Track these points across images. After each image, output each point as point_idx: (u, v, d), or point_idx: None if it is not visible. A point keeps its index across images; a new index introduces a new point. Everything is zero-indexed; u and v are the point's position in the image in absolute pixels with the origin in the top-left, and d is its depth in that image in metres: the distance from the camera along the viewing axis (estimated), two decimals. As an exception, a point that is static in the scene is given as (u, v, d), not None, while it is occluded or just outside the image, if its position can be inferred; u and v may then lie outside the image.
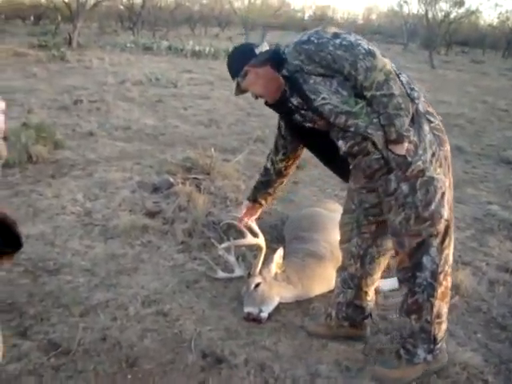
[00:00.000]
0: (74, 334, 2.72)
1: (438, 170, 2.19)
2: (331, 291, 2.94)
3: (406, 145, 2.11)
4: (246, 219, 3.05)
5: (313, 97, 2.16)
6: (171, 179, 4.68)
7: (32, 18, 32.21)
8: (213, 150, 5.16)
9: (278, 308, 3.06)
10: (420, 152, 2.14)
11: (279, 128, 2.67)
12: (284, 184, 2.97)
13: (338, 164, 2.56)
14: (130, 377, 2.47)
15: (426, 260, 2.26)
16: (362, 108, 2.12)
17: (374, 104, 2.09)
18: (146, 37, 21.53)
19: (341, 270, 2.69)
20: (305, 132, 2.42)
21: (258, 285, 2.95)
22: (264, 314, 2.90)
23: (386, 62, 2.07)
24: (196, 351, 2.65)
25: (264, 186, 2.89)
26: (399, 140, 2.10)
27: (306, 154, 2.84)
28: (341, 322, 2.73)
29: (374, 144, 2.16)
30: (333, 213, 3.74)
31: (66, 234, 3.86)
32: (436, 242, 2.25)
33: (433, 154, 2.17)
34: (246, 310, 2.88)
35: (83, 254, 3.57)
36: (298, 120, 2.35)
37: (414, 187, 2.17)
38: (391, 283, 3.22)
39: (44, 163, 5.38)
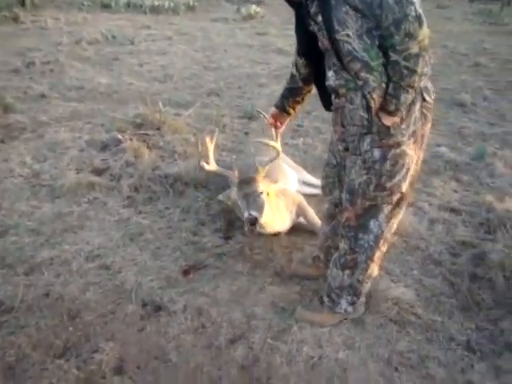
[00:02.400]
0: (17, 292, 2.74)
1: (412, 145, 2.13)
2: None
3: (395, 119, 2.04)
4: (275, 123, 2.77)
5: (337, 28, 1.91)
6: (119, 136, 4.62)
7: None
8: (161, 104, 5.07)
9: (219, 254, 3.12)
10: (403, 127, 2.07)
11: (296, 34, 2.34)
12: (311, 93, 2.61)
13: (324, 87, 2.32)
14: (71, 329, 2.51)
15: (372, 224, 2.28)
16: (379, 66, 1.93)
17: (391, 69, 1.92)
18: (105, -6, 20.67)
19: (329, 218, 2.67)
20: (310, 40, 2.20)
21: (262, 192, 2.94)
22: (261, 222, 2.87)
23: (426, 35, 1.85)
24: (136, 301, 2.71)
25: (291, 94, 2.58)
26: (393, 113, 2.01)
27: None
28: (329, 263, 2.66)
29: (366, 106, 2.05)
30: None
31: (13, 196, 3.82)
32: (387, 209, 2.26)
33: (413, 132, 2.10)
34: (253, 213, 2.80)
35: (30, 215, 3.55)
36: (310, 26, 2.13)
37: (385, 156, 2.12)
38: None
39: (-6, 127, 5.23)
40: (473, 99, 6.83)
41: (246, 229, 2.90)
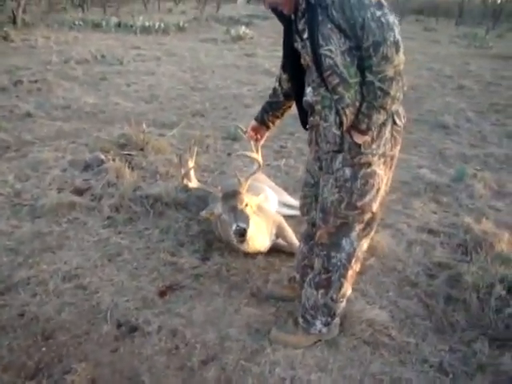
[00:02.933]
0: (-9, 312, 2.72)
1: (382, 166, 2.18)
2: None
3: (366, 137, 2.10)
4: (253, 136, 2.79)
5: (321, 42, 1.97)
6: (102, 156, 4.65)
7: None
8: (144, 125, 5.13)
9: (196, 276, 3.13)
10: (373, 147, 2.12)
11: (283, 45, 2.39)
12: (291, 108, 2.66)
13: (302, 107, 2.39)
14: (44, 349, 2.50)
15: (344, 242, 2.32)
16: (356, 84, 1.99)
17: (366, 89, 1.98)
18: (97, 14, 20.91)
19: (307, 238, 2.68)
20: (294, 56, 2.27)
21: (247, 204, 3.00)
22: (249, 233, 2.90)
23: (401, 61, 1.93)
24: (111, 321, 2.70)
25: (272, 108, 2.62)
26: (364, 132, 2.07)
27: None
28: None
29: (339, 122, 2.10)
30: (257, 182, 3.78)
31: (-8, 215, 3.81)
32: (358, 227, 2.30)
33: (383, 153, 2.16)
34: (241, 224, 2.85)
35: (9, 234, 3.55)
36: (296, 42, 2.20)
37: (356, 175, 2.17)
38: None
39: (-23, 146, 5.24)
40: (455, 121, 6.96)
41: (235, 241, 2.95)
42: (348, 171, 2.18)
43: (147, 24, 15.99)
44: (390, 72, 1.92)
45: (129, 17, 19.26)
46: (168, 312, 2.79)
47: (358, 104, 2.02)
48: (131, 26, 16.08)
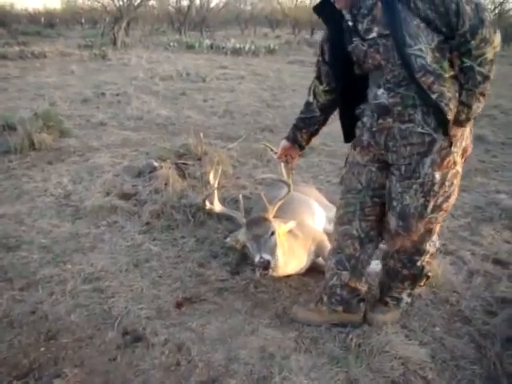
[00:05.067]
0: (5, 306, 2.68)
1: (461, 163, 2.13)
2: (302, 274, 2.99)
3: (466, 131, 2.05)
4: (283, 157, 2.70)
5: (409, 42, 1.86)
6: (155, 163, 4.60)
7: (83, 21, 32.46)
8: (202, 135, 5.01)
9: (220, 289, 2.92)
10: (458, 144, 2.06)
11: (322, 53, 2.32)
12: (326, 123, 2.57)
13: (351, 115, 2.32)
14: (43, 349, 2.40)
15: (428, 246, 2.32)
16: (452, 77, 1.93)
17: (465, 76, 1.90)
18: (193, 36, 21.73)
19: (335, 251, 2.49)
20: (345, 61, 2.16)
21: (273, 233, 2.73)
22: (274, 264, 2.67)
23: (499, 41, 1.86)
24: (118, 328, 2.55)
25: (306, 124, 2.49)
26: (463, 123, 2.00)
27: (312, 142, 2.65)
28: (334, 307, 2.54)
29: (433, 120, 1.98)
30: (304, 195, 3.56)
31: (38, 214, 3.87)
32: (438, 227, 2.30)
33: (464, 149, 2.11)
34: (265, 256, 2.59)
35: (47, 233, 3.56)
36: (352, 44, 2.09)
37: (444, 177, 2.08)
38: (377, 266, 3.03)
39: (46, 150, 5.45)
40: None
41: (257, 274, 2.71)
42: (438, 175, 2.07)
43: (238, 46, 16.31)
44: (489, 54, 1.85)
45: (223, 40, 19.84)
46: (179, 325, 2.59)
47: (457, 95, 1.94)
48: (223, 48, 16.49)
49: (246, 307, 2.77)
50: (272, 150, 2.77)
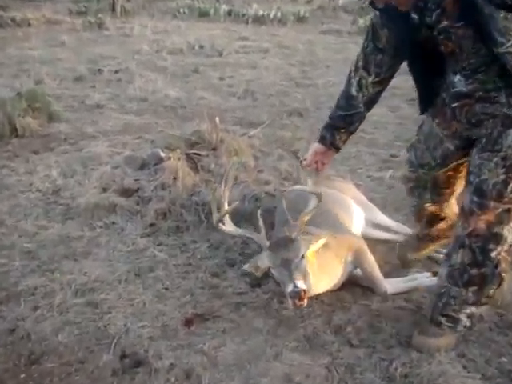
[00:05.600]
0: (-18, 322, 2.72)
1: None
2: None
3: None
4: (313, 163, 2.77)
5: (500, 40, 1.96)
6: (162, 154, 4.60)
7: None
8: (217, 120, 5.02)
9: (238, 304, 2.93)
10: None
11: (374, 40, 2.43)
12: None
13: (430, 91, 2.45)
14: (22, 376, 2.42)
15: (507, 231, 2.26)
16: None
17: None
18: (208, 2, 21.73)
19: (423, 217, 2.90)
20: (417, 49, 2.29)
21: (303, 256, 2.67)
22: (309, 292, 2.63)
23: None
24: (115, 350, 2.57)
25: (347, 123, 2.58)
26: None
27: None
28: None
29: (509, 99, 2.12)
30: (339, 193, 3.52)
31: (22, 213, 3.93)
32: None
33: None
34: (299, 285, 2.53)
35: (32, 236, 3.62)
36: (421, 35, 2.20)
37: None
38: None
39: (32, 137, 5.54)
40: None
41: (290, 304, 2.63)
42: None
43: (261, 13, 16.23)
44: None
45: (243, 5, 19.78)
46: (188, 347, 2.59)
47: None
48: (243, 15, 16.42)
49: (268, 326, 2.76)
50: (297, 157, 2.75)
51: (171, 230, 3.71)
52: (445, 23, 2.06)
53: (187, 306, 2.90)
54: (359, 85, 2.47)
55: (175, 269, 3.26)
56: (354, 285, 3.05)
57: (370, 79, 2.45)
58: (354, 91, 2.48)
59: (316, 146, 2.64)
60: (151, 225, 3.76)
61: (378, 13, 2.35)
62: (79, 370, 2.45)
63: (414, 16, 2.14)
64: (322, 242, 2.83)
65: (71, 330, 2.70)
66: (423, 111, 2.51)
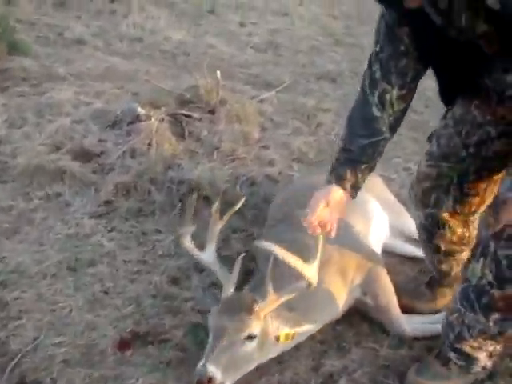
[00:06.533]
0: None
1: None
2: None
3: None
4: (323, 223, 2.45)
5: None
6: (140, 111, 4.36)
7: None
8: (219, 74, 4.72)
9: (196, 326, 2.69)
10: None
11: (392, 41, 2.29)
12: None
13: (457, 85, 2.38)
14: None
15: None
16: None
17: None
18: None
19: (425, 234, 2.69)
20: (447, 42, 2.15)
21: (251, 338, 2.38)
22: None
23: None
24: (11, 375, 2.39)
25: (369, 156, 2.40)
26: None
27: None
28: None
29: None
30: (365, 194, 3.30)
31: None
32: None
33: None
34: (210, 368, 2.23)
35: None
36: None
37: None
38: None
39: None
40: None
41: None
42: None
43: None
44: None
45: None
46: (115, 380, 2.35)
47: None
48: None
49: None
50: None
51: (131, 212, 3.55)
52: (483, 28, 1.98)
53: (127, 321, 2.71)
54: (381, 102, 2.33)
55: (124, 266, 3.10)
56: (361, 315, 2.83)
57: (395, 93, 2.32)
58: (375, 111, 2.34)
59: (330, 187, 2.37)
60: (106, 202, 3.61)
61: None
62: None
63: (436, 19, 2.01)
64: (305, 328, 2.58)
65: None
66: (448, 104, 2.45)
